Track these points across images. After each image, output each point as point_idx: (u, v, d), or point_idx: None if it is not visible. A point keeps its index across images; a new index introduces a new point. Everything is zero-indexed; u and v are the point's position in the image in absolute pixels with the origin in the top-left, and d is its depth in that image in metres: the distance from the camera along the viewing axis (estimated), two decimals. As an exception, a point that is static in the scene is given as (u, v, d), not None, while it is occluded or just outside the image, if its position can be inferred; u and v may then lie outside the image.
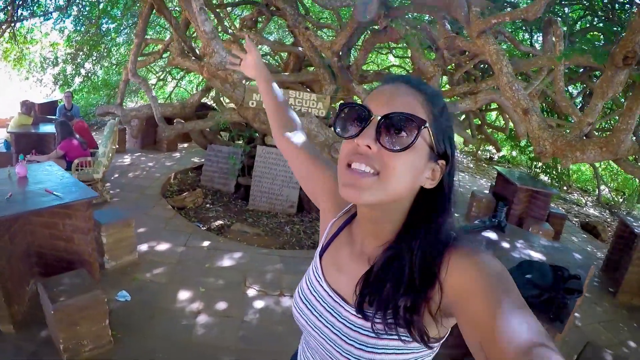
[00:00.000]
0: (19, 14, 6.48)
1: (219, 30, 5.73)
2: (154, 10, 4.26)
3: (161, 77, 10.40)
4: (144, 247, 3.40)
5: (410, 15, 4.17)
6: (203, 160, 6.26)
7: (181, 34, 4.44)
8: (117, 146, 4.80)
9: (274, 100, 1.02)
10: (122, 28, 7.99)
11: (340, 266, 0.71)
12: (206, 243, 3.62)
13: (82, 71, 8.28)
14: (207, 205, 4.84)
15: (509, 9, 4.85)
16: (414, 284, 0.58)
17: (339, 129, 0.63)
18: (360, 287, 0.64)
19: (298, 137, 0.94)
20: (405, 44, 5.14)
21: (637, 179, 7.08)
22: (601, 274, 4.30)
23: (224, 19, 6.50)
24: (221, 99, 6.79)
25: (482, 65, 5.76)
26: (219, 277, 3.09)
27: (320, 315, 0.70)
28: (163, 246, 3.48)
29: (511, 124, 6.47)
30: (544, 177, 8.00)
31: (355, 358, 0.63)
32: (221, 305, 2.69)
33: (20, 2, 6.26)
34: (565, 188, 8.42)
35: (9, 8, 6.21)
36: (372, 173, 0.56)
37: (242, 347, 2.35)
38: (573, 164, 2.85)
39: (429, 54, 5.37)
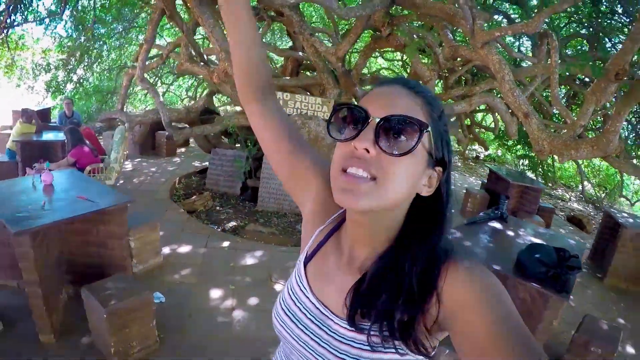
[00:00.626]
0: (12, 19, 6.42)
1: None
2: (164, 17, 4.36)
3: (152, 82, 10.40)
4: (166, 250, 3.51)
5: (413, 24, 4.41)
6: (204, 164, 6.38)
7: (191, 40, 4.56)
8: (127, 152, 4.86)
9: (254, 34, 0.71)
10: (113, 34, 7.98)
11: (327, 276, 0.68)
12: (226, 243, 3.77)
13: (74, 77, 8.23)
14: (217, 208, 4.96)
15: (497, 16, 5.18)
16: (412, 296, 0.56)
17: (333, 131, 0.59)
18: (350, 299, 0.60)
19: (281, 116, 0.77)
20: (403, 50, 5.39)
21: (618, 176, 7.60)
22: (589, 261, 4.66)
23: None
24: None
25: (472, 70, 6.10)
26: (245, 274, 3.25)
27: (306, 328, 0.66)
28: (185, 248, 3.61)
29: (501, 125, 6.85)
30: (529, 174, 8.44)
31: None
32: (253, 301, 2.86)
33: (13, 8, 6.21)
34: (550, 185, 8.90)
35: (4, 13, 6.16)
36: (369, 178, 0.53)
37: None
38: (568, 160, 3.15)
39: (423, 58, 5.67)
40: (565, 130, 3.29)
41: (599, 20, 4.63)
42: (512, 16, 5.88)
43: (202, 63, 4.66)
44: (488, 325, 0.48)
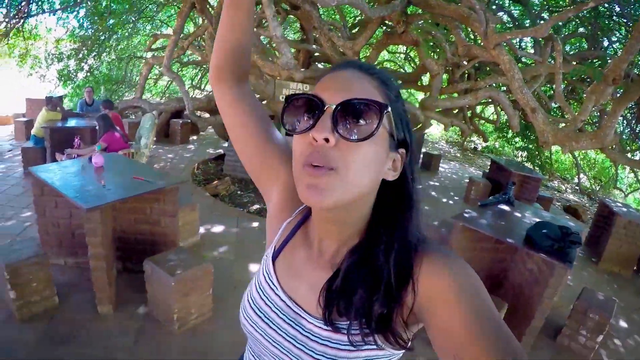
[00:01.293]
0: (29, 9, 6.57)
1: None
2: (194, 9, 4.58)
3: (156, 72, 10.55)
4: (201, 230, 3.82)
5: (427, 22, 4.70)
6: (218, 151, 6.66)
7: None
8: (156, 138, 5.12)
9: (252, 20, 0.70)
10: (123, 24, 8.12)
11: (297, 272, 0.65)
12: (255, 224, 4.09)
13: (85, 66, 8.38)
14: (238, 192, 5.27)
15: (501, 13, 5.50)
16: (391, 286, 0.54)
17: (287, 125, 0.55)
18: (324, 297, 0.58)
19: (255, 103, 0.74)
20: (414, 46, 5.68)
21: (612, 169, 8.06)
22: (584, 247, 5.07)
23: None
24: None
25: (476, 65, 6.42)
26: (278, 252, 3.57)
27: (279, 328, 0.63)
28: (218, 228, 3.93)
29: (502, 117, 7.22)
30: (527, 166, 8.88)
31: None
32: (290, 274, 3.18)
33: (31, -2, 6.36)
34: (547, 176, 9.35)
35: (23, 3, 6.32)
36: (330, 169, 0.50)
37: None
38: (570, 151, 3.52)
39: (430, 53, 5.98)
40: (567, 124, 3.65)
41: (597, 20, 4.97)
42: (514, 12, 6.21)
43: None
44: (465, 319, 0.47)
